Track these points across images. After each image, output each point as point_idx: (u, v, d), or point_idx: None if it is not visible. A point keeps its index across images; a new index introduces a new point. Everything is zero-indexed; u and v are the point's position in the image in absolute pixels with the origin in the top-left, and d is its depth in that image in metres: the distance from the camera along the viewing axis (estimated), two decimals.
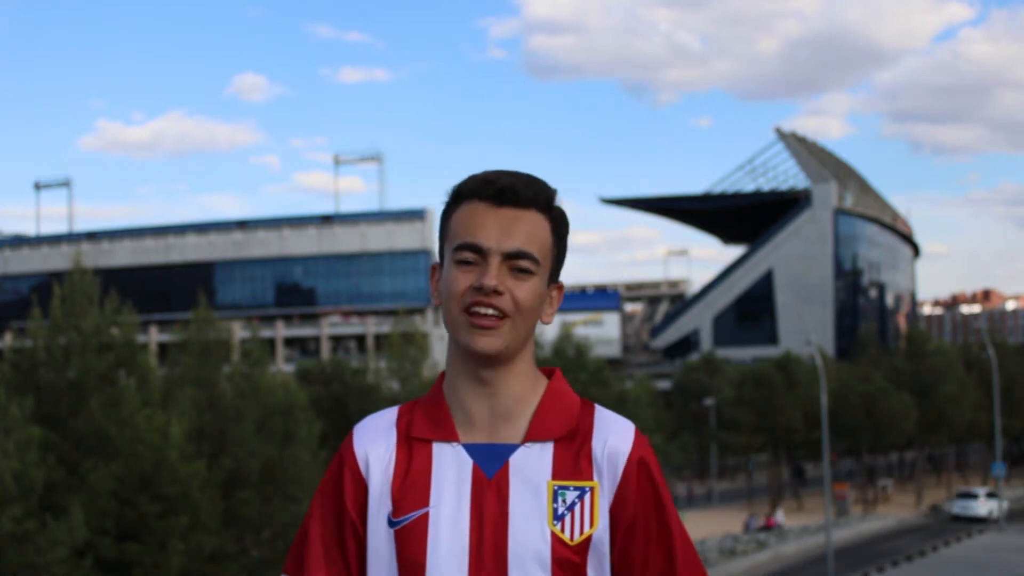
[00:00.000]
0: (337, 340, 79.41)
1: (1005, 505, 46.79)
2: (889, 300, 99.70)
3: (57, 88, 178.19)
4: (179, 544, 22.43)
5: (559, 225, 1.85)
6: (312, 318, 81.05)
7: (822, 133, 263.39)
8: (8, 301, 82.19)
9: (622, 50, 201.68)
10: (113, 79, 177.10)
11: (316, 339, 79.78)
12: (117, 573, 22.59)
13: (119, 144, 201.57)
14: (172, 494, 22.74)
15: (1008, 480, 55.79)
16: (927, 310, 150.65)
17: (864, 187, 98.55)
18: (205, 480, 23.83)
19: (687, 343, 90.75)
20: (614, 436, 1.81)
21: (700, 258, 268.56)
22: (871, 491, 55.98)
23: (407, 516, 1.78)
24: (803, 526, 43.78)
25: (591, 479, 1.79)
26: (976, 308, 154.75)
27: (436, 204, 1.89)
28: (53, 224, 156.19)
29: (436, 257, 1.88)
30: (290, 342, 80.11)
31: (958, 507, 47.72)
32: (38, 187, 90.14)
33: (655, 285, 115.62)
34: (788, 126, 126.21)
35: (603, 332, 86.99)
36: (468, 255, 1.77)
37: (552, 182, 1.85)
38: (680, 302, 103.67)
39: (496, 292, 1.75)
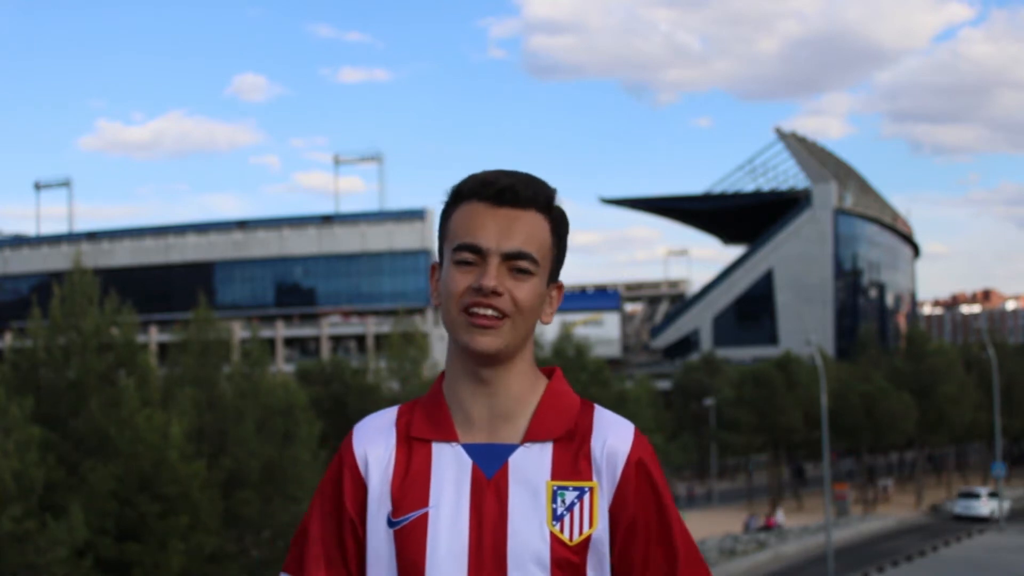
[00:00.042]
0: (337, 340, 79.40)
1: (1007, 505, 46.82)
2: (889, 300, 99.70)
3: (57, 88, 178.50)
4: (179, 544, 22.43)
5: (559, 225, 1.84)
6: (312, 318, 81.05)
7: (822, 133, 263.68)
8: (8, 301, 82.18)
9: (622, 50, 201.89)
10: (113, 79, 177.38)
11: (316, 339, 79.78)
12: (117, 573, 22.58)
13: (119, 144, 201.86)
14: (172, 494, 22.74)
15: (1008, 480, 55.78)
16: (927, 310, 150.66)
17: (864, 187, 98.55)
18: (205, 480, 23.82)
19: (687, 343, 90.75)
20: (613, 436, 1.81)
21: (700, 258, 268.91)
22: (871, 491, 55.97)
23: (406, 516, 1.78)
24: (803, 526, 43.77)
25: (590, 479, 1.79)
26: (976, 308, 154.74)
27: (436, 204, 1.89)
28: (53, 224, 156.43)
29: (436, 257, 1.88)
30: (290, 342, 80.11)
31: (960, 507, 47.77)
32: (38, 187, 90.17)
33: (655, 285, 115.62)
34: (788, 126, 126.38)
35: (603, 332, 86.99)
36: (467, 255, 1.77)
37: (552, 182, 1.85)
38: (680, 302, 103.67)
39: (495, 293, 1.75)
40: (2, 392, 21.05)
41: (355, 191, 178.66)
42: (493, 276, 1.75)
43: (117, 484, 22.22)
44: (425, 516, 1.77)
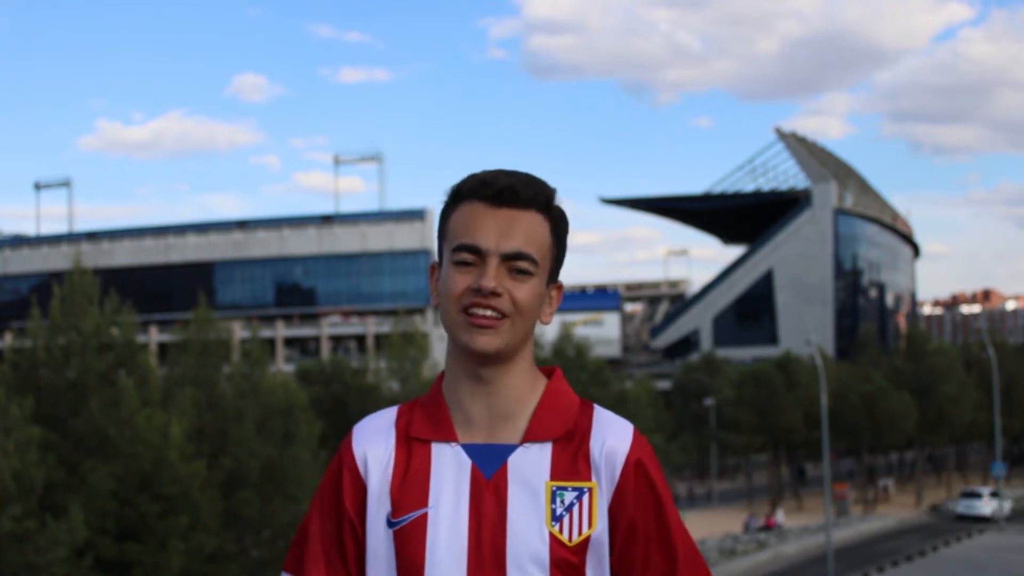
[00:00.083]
0: (337, 340, 79.41)
1: (1009, 505, 46.82)
2: (889, 300, 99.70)
3: (57, 88, 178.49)
4: (179, 544, 22.43)
5: (558, 225, 1.84)
6: (312, 318, 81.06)
7: (822, 133, 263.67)
8: (8, 301, 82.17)
9: (622, 50, 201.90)
10: (113, 79, 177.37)
11: (316, 339, 79.78)
12: (117, 573, 22.58)
13: (119, 144, 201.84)
14: (172, 494, 22.73)
15: (1008, 480, 55.78)
16: (927, 310, 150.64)
17: (864, 187, 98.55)
18: (205, 480, 23.82)
19: (687, 343, 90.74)
20: (612, 437, 1.81)
21: (700, 258, 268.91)
22: (871, 491, 55.96)
23: (406, 516, 1.78)
24: (803, 526, 43.77)
25: (589, 480, 1.78)
26: (976, 308, 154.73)
27: (436, 204, 1.88)
28: (53, 224, 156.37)
29: (436, 257, 1.88)
30: (290, 342, 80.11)
31: (962, 507, 47.82)
32: (38, 187, 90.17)
33: (655, 285, 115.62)
34: (788, 126, 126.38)
35: (603, 332, 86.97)
36: (466, 256, 1.76)
37: (552, 182, 1.84)
38: (680, 302, 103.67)
39: (495, 294, 1.74)
40: (2, 392, 21.05)
41: (355, 191, 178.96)
42: (492, 277, 1.74)
43: (117, 484, 22.22)
44: (424, 516, 1.77)
